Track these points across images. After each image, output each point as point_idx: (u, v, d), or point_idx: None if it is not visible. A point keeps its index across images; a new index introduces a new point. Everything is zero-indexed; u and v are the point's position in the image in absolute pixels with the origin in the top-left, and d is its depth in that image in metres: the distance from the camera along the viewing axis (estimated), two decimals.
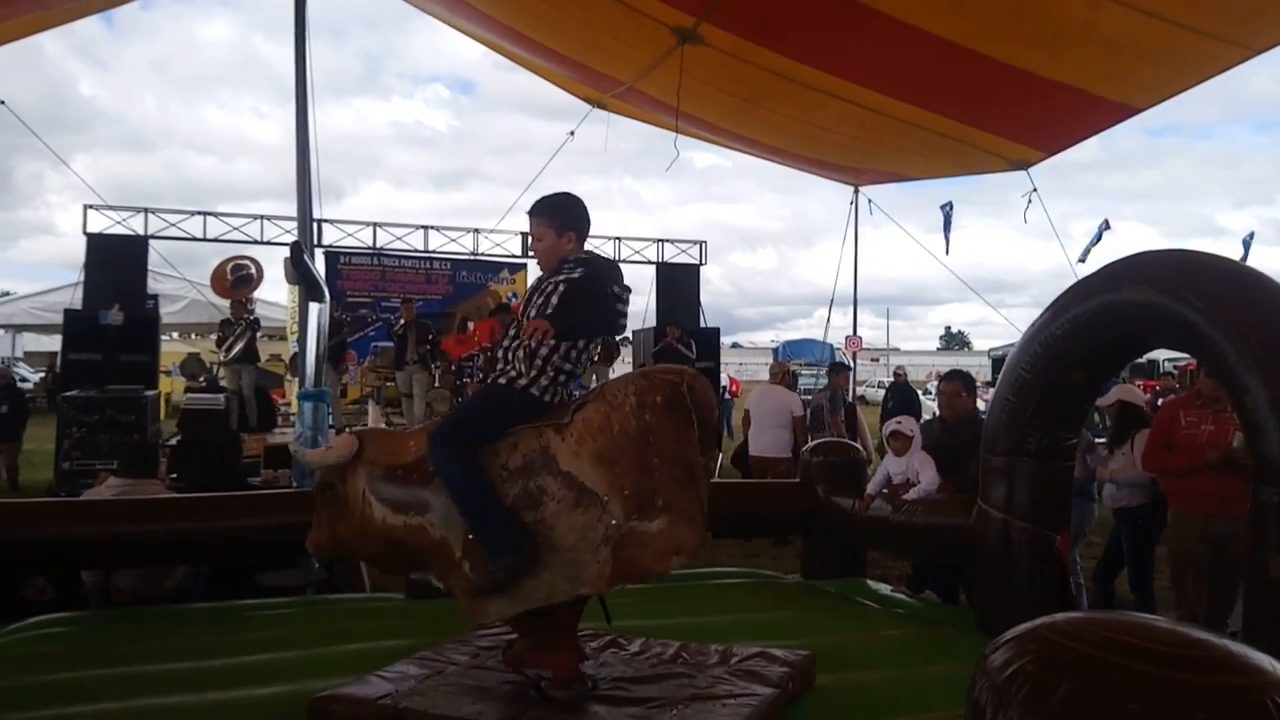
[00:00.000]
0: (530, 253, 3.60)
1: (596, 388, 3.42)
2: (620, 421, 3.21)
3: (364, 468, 3.35)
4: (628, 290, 3.47)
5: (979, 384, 13.73)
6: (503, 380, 3.34)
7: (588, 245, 3.56)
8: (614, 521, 3.19)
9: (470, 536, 3.23)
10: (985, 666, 1.29)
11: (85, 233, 13.75)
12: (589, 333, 3.38)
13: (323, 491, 3.42)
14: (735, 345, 65.46)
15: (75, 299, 13.54)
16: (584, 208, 3.51)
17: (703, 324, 17.07)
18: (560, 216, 3.44)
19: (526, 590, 3.22)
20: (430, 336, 13.04)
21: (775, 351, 47.50)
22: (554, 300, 3.29)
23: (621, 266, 3.73)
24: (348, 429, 3.43)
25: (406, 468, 3.33)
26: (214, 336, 12.60)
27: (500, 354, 3.42)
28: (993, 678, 1.25)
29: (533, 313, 3.31)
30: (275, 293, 17.88)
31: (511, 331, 3.42)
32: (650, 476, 3.19)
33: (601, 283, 3.35)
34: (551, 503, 3.21)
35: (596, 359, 11.65)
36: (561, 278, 3.34)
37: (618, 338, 13.74)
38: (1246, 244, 17.63)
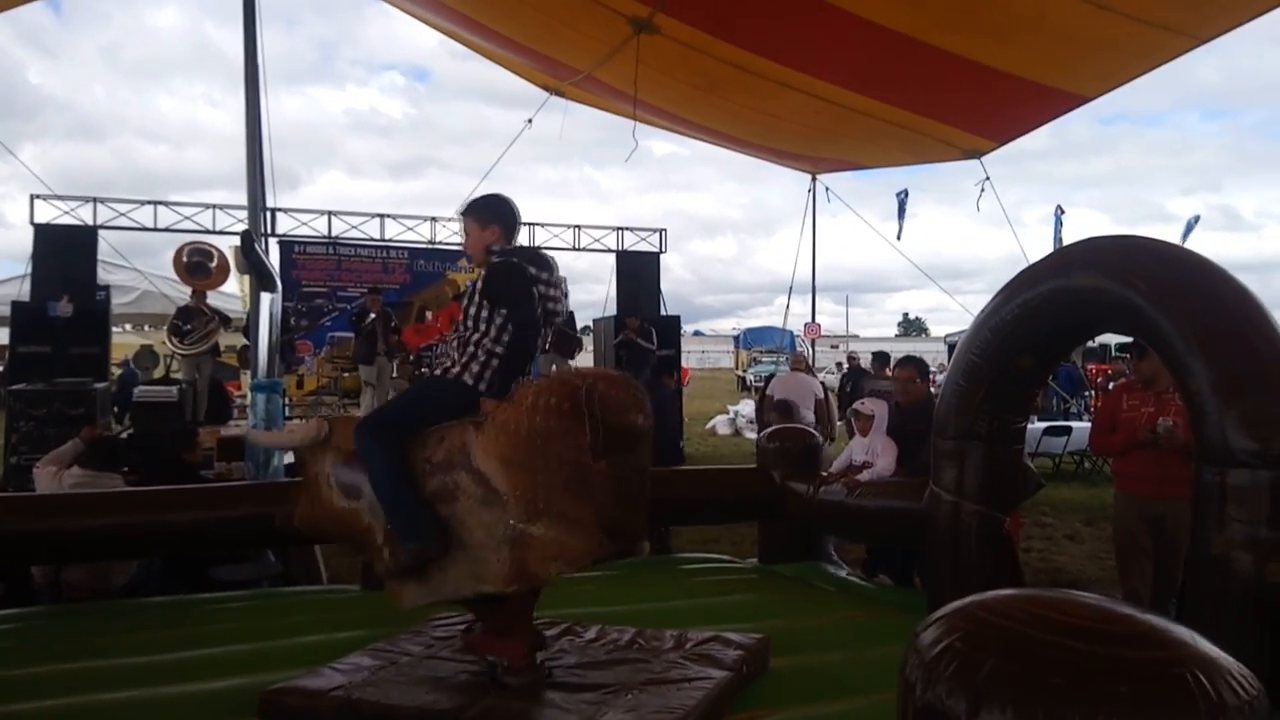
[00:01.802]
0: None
1: (518, 386, 3.43)
2: (517, 422, 3.22)
3: (329, 452, 3.48)
4: (554, 274, 3.64)
5: (935, 369, 13.88)
6: (437, 371, 3.52)
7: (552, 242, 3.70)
8: (511, 521, 3.21)
9: (388, 525, 3.35)
10: (916, 643, 1.31)
11: (33, 223, 13.47)
12: (503, 304, 3.47)
13: (298, 471, 3.67)
14: (697, 333, 65.65)
15: (23, 291, 13.26)
16: (509, 205, 3.73)
17: (663, 312, 17.07)
18: (483, 212, 3.67)
19: (436, 582, 3.33)
20: (394, 325, 12.94)
21: (736, 339, 47.70)
22: (477, 286, 3.53)
23: (551, 254, 3.91)
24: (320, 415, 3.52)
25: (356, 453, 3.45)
26: (172, 327, 12.34)
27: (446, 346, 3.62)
28: (922, 655, 1.28)
29: (472, 309, 3.51)
30: (229, 283, 17.61)
31: (455, 323, 3.61)
32: (535, 479, 3.18)
33: (518, 265, 3.54)
34: (464, 499, 3.27)
35: (548, 348, 11.56)
36: (484, 269, 3.59)
37: (571, 328, 13.68)
38: (1190, 226, 17.96)
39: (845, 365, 17.94)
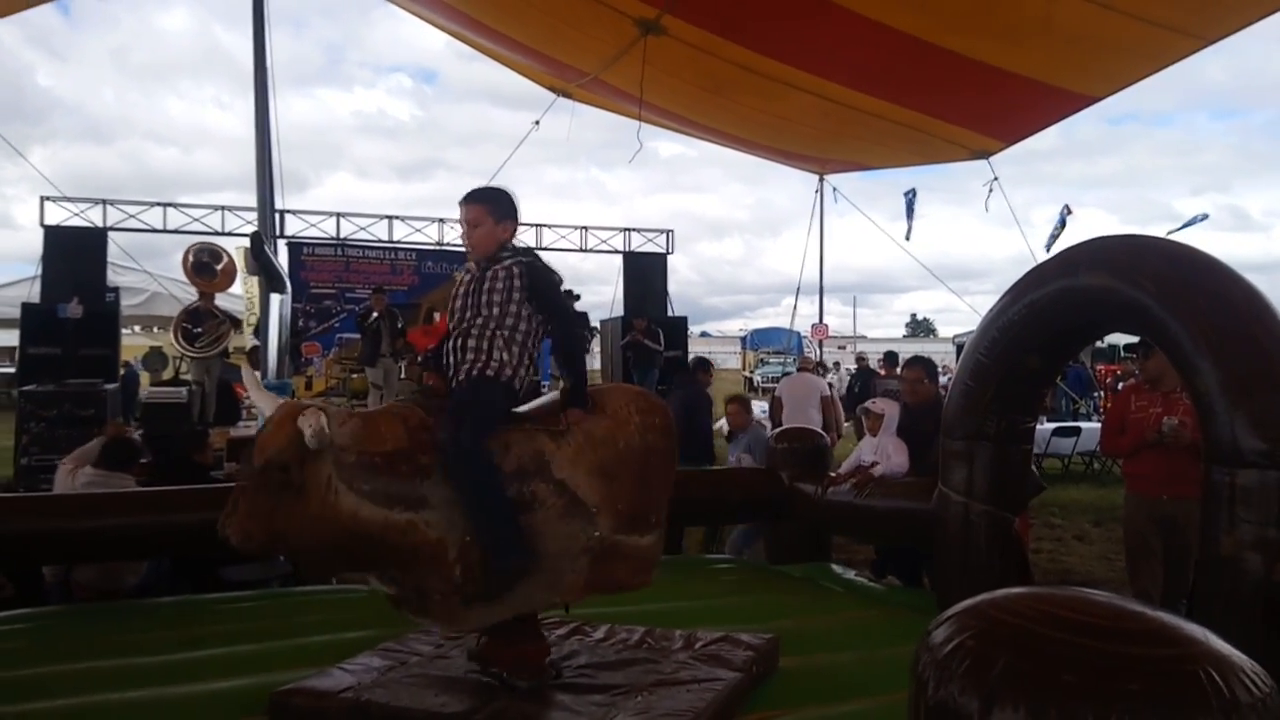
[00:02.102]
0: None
1: (591, 396, 3.44)
2: (626, 438, 3.32)
3: (330, 451, 2.87)
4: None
5: (941, 370, 13.86)
6: (490, 372, 3.25)
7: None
8: (598, 533, 3.21)
9: (467, 539, 3.06)
10: (928, 642, 1.31)
11: (43, 225, 13.54)
12: (544, 307, 3.39)
13: (268, 473, 2.83)
14: (704, 334, 65.51)
15: (33, 293, 13.33)
16: (517, 203, 3.58)
17: (670, 313, 17.08)
18: (499, 205, 3.46)
19: (508, 598, 3.17)
20: (400, 326, 12.93)
21: (743, 340, 47.62)
22: (516, 284, 3.31)
23: (589, 257, 3.85)
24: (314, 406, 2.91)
25: (389, 456, 2.98)
26: (179, 329, 12.36)
27: (462, 343, 3.32)
28: (935, 653, 1.28)
29: (499, 284, 3.31)
30: (237, 285, 17.66)
31: (468, 315, 3.34)
32: (648, 494, 3.35)
33: (549, 268, 3.46)
34: (542, 509, 3.16)
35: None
36: (509, 262, 3.36)
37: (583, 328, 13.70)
38: (1192, 220, 17.86)
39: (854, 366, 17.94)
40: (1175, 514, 4.93)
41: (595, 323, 17.79)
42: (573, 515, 3.19)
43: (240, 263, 16.31)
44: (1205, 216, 18.65)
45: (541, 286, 3.36)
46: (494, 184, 3.70)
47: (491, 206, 3.45)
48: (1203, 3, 7.74)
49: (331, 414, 2.89)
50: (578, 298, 13.95)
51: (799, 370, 12.42)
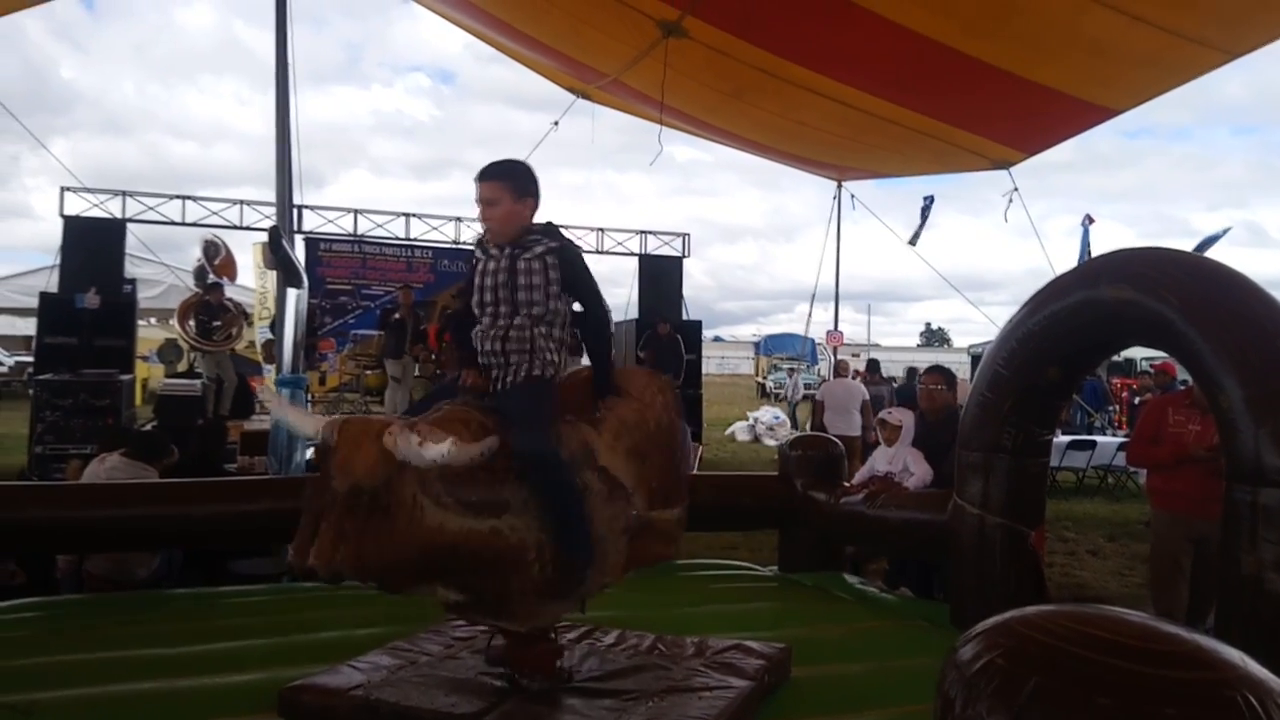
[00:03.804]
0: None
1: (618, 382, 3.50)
2: (655, 419, 3.44)
3: (413, 468, 2.76)
4: None
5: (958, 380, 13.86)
6: (538, 371, 3.16)
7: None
8: (634, 512, 3.32)
9: (543, 537, 3.04)
10: (955, 659, 1.29)
11: (62, 215, 13.59)
12: (578, 293, 3.29)
13: (355, 496, 2.67)
14: (717, 339, 65.51)
15: (51, 282, 13.38)
16: (537, 177, 3.30)
17: (685, 317, 17.05)
18: (518, 181, 3.20)
19: (578, 589, 3.27)
20: (422, 327, 12.97)
21: (757, 345, 47.61)
22: (552, 275, 3.15)
23: (604, 259, 3.79)
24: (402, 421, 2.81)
25: (469, 465, 2.84)
26: (192, 323, 12.40)
27: (503, 345, 3.16)
28: (963, 670, 1.25)
29: (535, 279, 3.13)
30: (248, 278, 17.69)
31: (503, 311, 3.17)
32: (677, 470, 3.55)
33: (579, 251, 3.35)
34: (591, 497, 3.21)
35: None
36: (541, 250, 3.16)
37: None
38: (1212, 238, 17.67)
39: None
40: (1209, 534, 4.86)
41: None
42: (615, 498, 3.27)
43: (256, 257, 16.40)
44: (1228, 230, 18.45)
45: (578, 273, 3.23)
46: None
47: (510, 183, 3.18)
48: (1232, 16, 7.67)
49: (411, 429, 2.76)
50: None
51: (836, 376, 13.66)
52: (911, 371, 16.19)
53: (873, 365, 15.65)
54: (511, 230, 3.19)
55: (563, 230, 3.33)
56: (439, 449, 2.66)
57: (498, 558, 2.98)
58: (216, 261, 13.20)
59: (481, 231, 3.33)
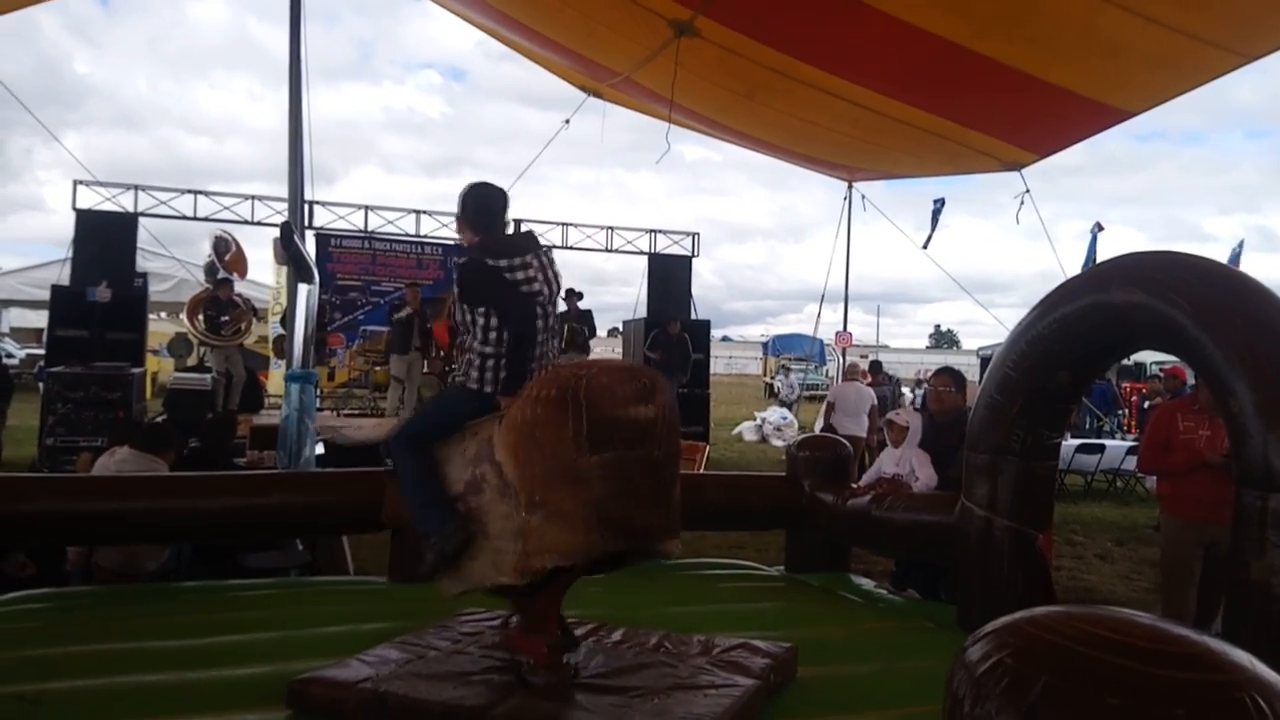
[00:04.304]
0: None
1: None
2: (521, 414, 3.23)
3: None
4: (526, 255, 3.53)
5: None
6: (454, 378, 3.55)
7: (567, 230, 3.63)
8: (522, 513, 3.21)
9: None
10: (964, 659, 1.29)
11: (75, 208, 13.64)
12: (480, 303, 3.49)
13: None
14: (725, 339, 65.48)
15: (63, 275, 13.44)
16: (484, 194, 3.66)
17: (694, 316, 17.05)
18: (461, 207, 3.66)
19: (465, 571, 3.39)
20: (428, 325, 13.00)
21: (765, 346, 47.56)
22: (455, 291, 3.56)
23: (531, 232, 3.95)
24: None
25: None
26: (201, 318, 12.46)
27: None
28: (971, 670, 1.25)
29: (459, 315, 3.58)
30: (261, 273, 17.75)
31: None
32: (532, 471, 3.19)
33: (475, 262, 3.53)
34: (488, 490, 3.32)
35: (564, 347, 11.73)
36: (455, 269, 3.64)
37: (581, 321, 13.79)
38: (1235, 255, 17.64)
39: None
40: (1220, 538, 4.85)
41: (618, 323, 17.80)
42: (506, 496, 3.27)
43: (270, 251, 16.43)
44: (1241, 245, 18.40)
45: (466, 285, 3.51)
46: (519, 185, 3.87)
47: (459, 210, 3.67)
48: (1248, 19, 7.64)
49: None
50: (580, 296, 14.00)
51: (846, 379, 14.17)
52: (874, 366, 16.94)
53: (875, 366, 16.28)
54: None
55: (572, 228, 3.51)
56: None
57: None
58: (227, 257, 13.25)
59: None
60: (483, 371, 3.48)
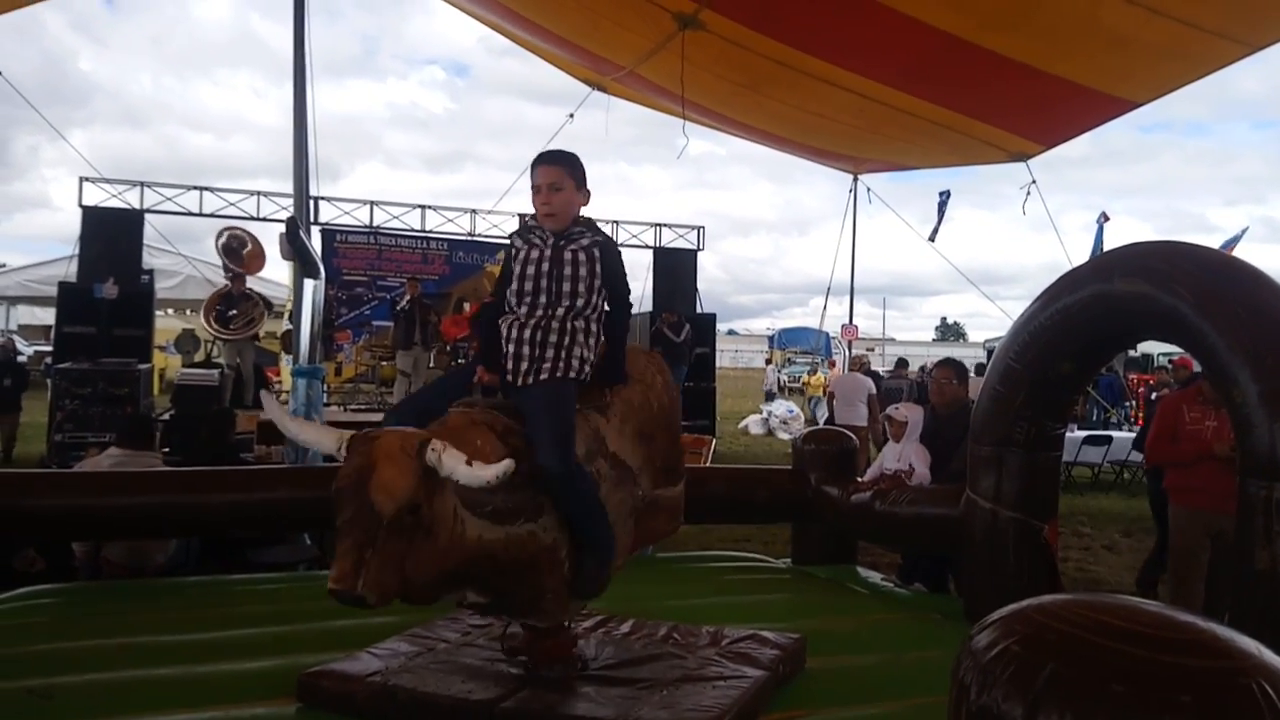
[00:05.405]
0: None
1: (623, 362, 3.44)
2: (656, 399, 3.50)
3: (450, 481, 2.62)
4: None
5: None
6: (572, 374, 3.07)
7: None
8: (640, 493, 3.35)
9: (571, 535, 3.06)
10: (971, 647, 1.30)
11: (81, 205, 13.68)
12: (611, 285, 3.21)
13: (400, 518, 2.50)
14: (731, 332, 65.46)
15: (70, 272, 13.49)
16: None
17: (699, 310, 17.05)
18: (579, 170, 3.18)
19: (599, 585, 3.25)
20: (432, 318, 13.02)
21: (771, 339, 47.50)
22: (597, 268, 3.11)
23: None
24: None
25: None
26: (213, 314, 12.50)
27: (542, 335, 3.06)
28: (978, 658, 1.26)
29: (581, 270, 3.09)
30: (274, 271, 17.83)
31: (543, 301, 3.09)
32: (676, 447, 3.64)
33: (615, 243, 3.31)
34: (605, 484, 3.17)
35: None
36: (588, 241, 3.14)
37: None
38: (1234, 239, 17.57)
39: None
40: (1227, 528, 4.85)
41: None
42: (624, 482, 3.28)
43: (275, 247, 16.48)
44: (1246, 230, 18.33)
45: (616, 268, 3.19)
46: (524, 180, 3.48)
47: (573, 170, 3.16)
48: (1252, 8, 7.62)
49: (459, 432, 2.75)
50: None
51: (850, 369, 14.92)
52: (899, 363, 18.33)
53: (900, 363, 17.63)
54: (567, 218, 3.16)
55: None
56: (487, 473, 2.52)
57: (534, 560, 2.95)
58: (244, 252, 13.29)
59: (528, 218, 3.28)
60: (592, 356, 3.13)
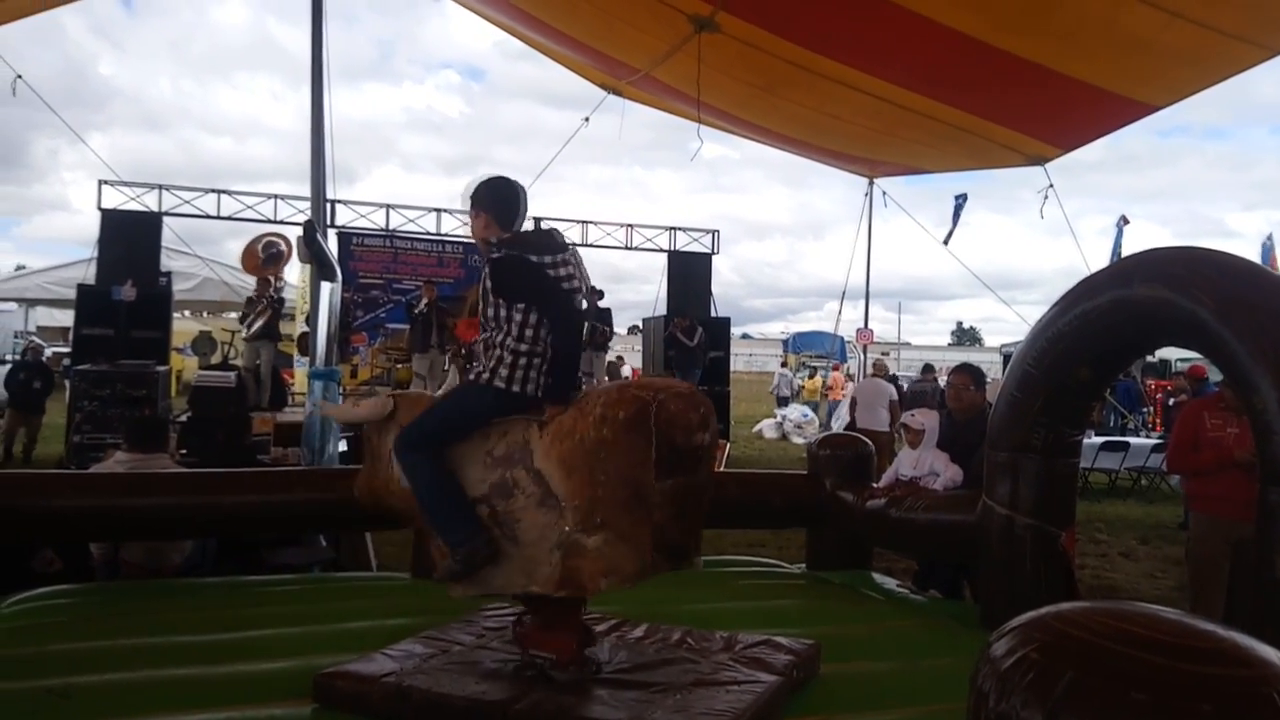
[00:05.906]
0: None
1: (586, 390, 3.38)
2: (583, 431, 3.15)
3: (395, 428, 3.49)
4: (561, 254, 3.34)
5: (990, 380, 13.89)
6: (471, 376, 3.38)
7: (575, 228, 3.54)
8: (567, 528, 3.17)
9: None
10: (989, 654, 1.29)
11: (100, 208, 13.77)
12: (520, 299, 3.26)
13: (365, 442, 3.72)
14: (745, 336, 65.38)
15: (89, 274, 13.58)
16: (508, 188, 3.43)
17: (713, 314, 17.03)
18: (480, 199, 3.41)
19: (484, 576, 3.30)
20: (449, 321, 13.07)
21: (785, 343, 47.40)
22: (487, 284, 3.31)
23: (557, 230, 3.74)
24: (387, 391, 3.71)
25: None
26: (230, 315, 12.61)
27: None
28: (997, 665, 1.25)
29: (489, 310, 3.32)
30: (290, 273, 17.93)
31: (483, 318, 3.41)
32: (595, 492, 3.13)
33: (517, 257, 3.29)
34: (521, 496, 3.24)
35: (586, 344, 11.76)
36: (487, 262, 3.38)
37: (601, 320, 13.79)
38: (1266, 249, 17.41)
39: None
40: (1249, 537, 4.80)
41: (638, 320, 17.84)
42: (547, 506, 3.21)
43: (294, 249, 16.61)
44: (1271, 238, 18.14)
45: (506, 280, 3.26)
46: (539, 183, 3.67)
47: (476, 202, 3.42)
48: (1272, 12, 7.57)
49: (408, 400, 3.67)
50: (601, 294, 14.03)
51: (872, 374, 14.85)
52: (926, 368, 18.06)
53: (927, 368, 17.93)
54: (484, 244, 3.44)
55: (592, 226, 3.40)
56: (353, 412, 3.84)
57: (419, 522, 3.52)
58: (275, 253, 13.41)
59: None
60: (513, 370, 3.23)
